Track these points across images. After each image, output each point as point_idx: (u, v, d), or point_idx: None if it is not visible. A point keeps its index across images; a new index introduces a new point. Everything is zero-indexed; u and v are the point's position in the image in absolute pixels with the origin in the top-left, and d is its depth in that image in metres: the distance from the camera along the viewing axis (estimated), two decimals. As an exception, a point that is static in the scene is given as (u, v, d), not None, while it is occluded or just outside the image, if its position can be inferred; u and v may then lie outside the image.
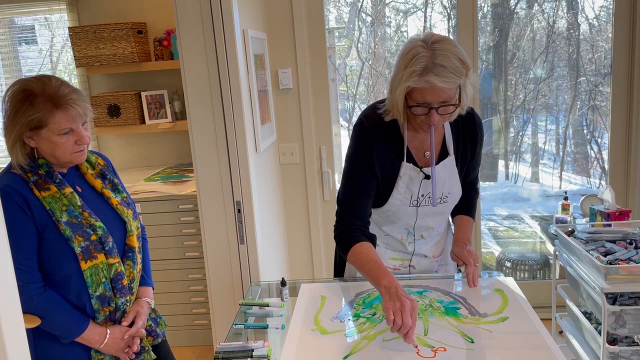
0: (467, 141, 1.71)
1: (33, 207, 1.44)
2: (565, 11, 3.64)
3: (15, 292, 0.74)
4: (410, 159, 1.66)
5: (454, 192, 1.72)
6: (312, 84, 2.99)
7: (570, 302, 2.24)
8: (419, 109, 1.51)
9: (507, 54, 3.80)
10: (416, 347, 1.39)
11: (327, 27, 3.05)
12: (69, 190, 1.50)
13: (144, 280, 1.71)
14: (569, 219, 3.05)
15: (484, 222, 4.30)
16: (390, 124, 1.63)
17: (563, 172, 4.28)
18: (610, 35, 3.12)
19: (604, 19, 3.65)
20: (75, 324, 1.51)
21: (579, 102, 3.87)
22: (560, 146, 4.28)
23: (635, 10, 2.88)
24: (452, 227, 1.93)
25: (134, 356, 1.62)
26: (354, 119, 1.71)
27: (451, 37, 3.55)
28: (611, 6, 2.98)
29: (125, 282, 1.58)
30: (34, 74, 3.72)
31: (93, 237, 1.50)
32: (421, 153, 1.68)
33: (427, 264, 1.85)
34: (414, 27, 3.82)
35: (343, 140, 3.78)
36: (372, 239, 1.69)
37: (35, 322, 1.46)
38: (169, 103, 3.49)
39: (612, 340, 1.95)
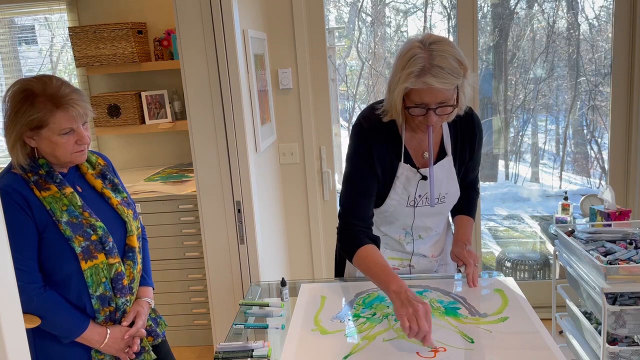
0: (466, 141, 1.71)
1: (33, 207, 1.44)
2: (565, 11, 3.64)
3: (15, 292, 0.74)
4: (408, 160, 1.66)
5: (452, 192, 1.72)
6: (312, 84, 2.99)
7: (570, 302, 2.24)
8: (417, 109, 1.52)
9: (507, 54, 3.80)
10: (435, 349, 1.38)
11: (327, 27, 3.05)
12: (69, 190, 1.50)
13: (144, 280, 1.71)
14: (569, 219, 3.05)
15: (484, 222, 4.30)
16: (389, 125, 1.63)
17: (563, 172, 4.28)
18: (610, 35, 3.12)
19: (604, 19, 3.65)
20: (75, 324, 1.51)
21: (579, 102, 3.88)
22: (560, 146, 4.28)
23: (635, 10, 2.88)
24: (452, 227, 1.93)
25: (134, 356, 1.62)
26: (354, 119, 1.71)
27: (451, 37, 3.55)
28: (611, 6, 2.98)
29: (126, 282, 1.58)
30: (34, 74, 3.72)
31: (93, 237, 1.50)
32: (419, 153, 1.68)
33: (426, 264, 1.85)
34: (414, 27, 3.82)
35: (343, 140, 3.78)
36: (376, 241, 1.68)
37: (35, 322, 1.46)
38: (169, 103, 3.49)
39: (612, 340, 1.95)
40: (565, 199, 3.12)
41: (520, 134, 4.24)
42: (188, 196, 3.02)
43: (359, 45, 3.89)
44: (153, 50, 3.48)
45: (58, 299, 1.49)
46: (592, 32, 3.72)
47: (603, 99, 3.71)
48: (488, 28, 3.67)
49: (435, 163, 1.66)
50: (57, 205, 1.47)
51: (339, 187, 3.15)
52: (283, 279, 1.83)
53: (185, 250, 3.08)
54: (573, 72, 3.73)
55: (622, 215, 2.41)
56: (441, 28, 3.87)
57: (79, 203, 1.51)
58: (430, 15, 3.82)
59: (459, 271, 1.86)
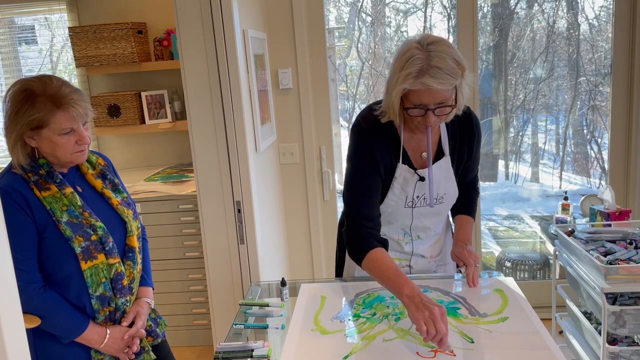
0: (464, 141, 1.71)
1: (33, 207, 1.44)
2: (565, 11, 3.64)
3: (15, 292, 0.74)
4: (407, 160, 1.66)
5: (450, 192, 1.72)
6: (312, 84, 2.99)
7: (570, 302, 2.24)
8: (416, 110, 1.52)
9: (507, 54, 3.80)
10: (452, 352, 1.37)
11: (327, 27, 3.05)
12: (69, 190, 1.50)
13: (144, 281, 1.71)
14: (569, 219, 3.05)
15: (484, 222, 4.30)
16: (387, 125, 1.63)
17: (563, 172, 4.28)
18: (610, 35, 3.12)
19: (604, 19, 3.65)
20: (75, 324, 1.51)
21: (579, 102, 3.88)
22: (560, 146, 4.28)
23: (635, 10, 2.88)
24: (452, 227, 1.93)
25: (133, 356, 1.62)
26: (354, 119, 1.71)
27: (451, 37, 3.55)
28: (611, 6, 2.98)
29: (125, 282, 1.58)
30: (34, 74, 3.73)
31: (93, 237, 1.50)
32: (418, 154, 1.68)
33: (425, 264, 1.85)
34: (414, 27, 3.82)
35: (343, 140, 3.79)
36: (385, 244, 1.65)
37: (35, 322, 1.46)
38: (169, 103, 3.49)
39: (612, 340, 1.95)
40: (565, 199, 3.12)
41: (520, 134, 4.24)
42: (188, 196, 3.02)
43: (359, 45, 3.90)
44: (153, 50, 3.48)
45: (58, 299, 1.49)
46: (592, 32, 3.72)
47: (603, 99, 3.71)
48: (488, 28, 3.67)
49: (433, 163, 1.66)
50: (57, 205, 1.47)
51: (339, 187, 3.15)
52: (283, 279, 1.83)
53: (185, 250, 3.08)
54: (573, 72, 3.73)
55: (622, 215, 2.41)
56: (441, 28, 3.87)
57: (79, 203, 1.51)
58: (430, 15, 3.83)
59: (459, 271, 1.86)
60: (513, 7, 3.69)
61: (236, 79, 2.14)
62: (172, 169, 3.53)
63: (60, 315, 1.49)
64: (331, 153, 3.09)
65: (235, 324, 1.63)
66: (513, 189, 4.44)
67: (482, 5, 3.59)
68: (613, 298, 1.88)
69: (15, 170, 1.48)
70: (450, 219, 1.92)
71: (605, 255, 1.93)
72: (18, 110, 1.44)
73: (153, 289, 1.75)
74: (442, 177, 1.68)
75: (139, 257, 1.65)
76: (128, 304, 1.61)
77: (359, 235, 1.64)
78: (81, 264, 1.47)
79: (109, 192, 1.62)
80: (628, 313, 1.83)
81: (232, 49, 2.12)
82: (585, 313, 2.19)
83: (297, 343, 1.46)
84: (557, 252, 2.28)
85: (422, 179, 1.65)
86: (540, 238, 3.98)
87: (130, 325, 1.61)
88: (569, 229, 2.24)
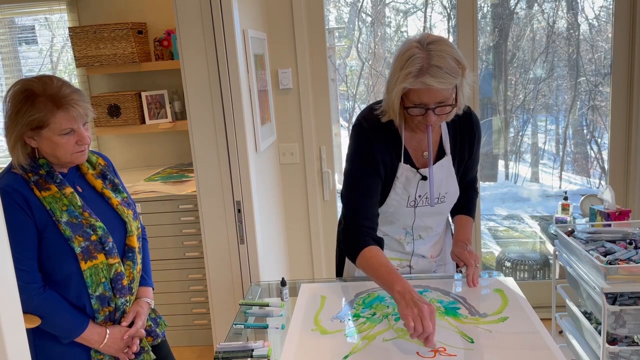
0: (465, 140, 1.71)
1: (33, 207, 1.44)
2: (565, 11, 3.64)
3: (15, 292, 0.74)
4: (408, 160, 1.66)
5: (451, 191, 1.72)
6: (312, 84, 2.99)
7: (570, 302, 2.24)
8: (416, 109, 1.52)
9: (507, 54, 3.80)
10: (436, 350, 1.38)
11: (327, 27, 3.05)
12: (69, 190, 1.50)
13: (144, 281, 1.71)
14: (569, 219, 3.05)
15: (484, 222, 4.30)
16: (388, 125, 1.63)
17: (563, 172, 4.28)
18: (610, 35, 3.12)
19: (604, 19, 3.66)
20: (75, 324, 1.51)
21: (578, 102, 3.88)
22: (560, 146, 4.28)
23: (635, 10, 2.88)
24: (452, 227, 1.93)
25: (133, 356, 1.62)
26: (354, 119, 1.71)
27: (451, 37, 3.55)
28: (611, 6, 2.98)
29: (125, 282, 1.58)
30: (34, 74, 3.73)
31: (93, 237, 1.50)
32: (419, 153, 1.68)
33: (425, 265, 1.85)
34: (414, 27, 3.82)
35: (343, 140, 3.79)
36: (380, 243, 1.67)
37: (35, 322, 1.46)
38: (169, 103, 3.49)
39: (612, 340, 1.95)
40: (565, 199, 3.12)
41: (520, 134, 4.24)
42: (188, 196, 3.02)
43: (359, 45, 3.90)
44: (153, 50, 3.48)
45: (58, 299, 1.49)
46: (592, 32, 3.72)
47: (603, 99, 3.71)
48: (488, 28, 3.67)
49: (434, 163, 1.66)
50: (57, 205, 1.47)
51: (339, 187, 3.15)
52: (283, 278, 1.83)
53: (185, 250, 3.08)
54: (573, 72, 3.73)
55: (622, 215, 2.42)
56: (441, 28, 3.87)
57: (79, 203, 1.51)
58: (430, 16, 3.83)
59: (460, 271, 1.86)
60: (513, 7, 3.69)
61: (236, 79, 2.14)
62: (172, 169, 3.53)
63: (60, 315, 1.49)
64: (331, 153, 3.09)
65: (235, 324, 1.63)
66: (513, 189, 4.44)
67: (482, 5, 3.60)
68: (613, 298, 1.88)
69: (15, 170, 1.48)
70: (450, 219, 1.92)
71: (605, 255, 1.93)
72: (18, 111, 1.44)
73: (153, 289, 1.75)
74: (444, 176, 1.69)
75: (138, 257, 1.65)
76: (128, 304, 1.61)
77: (355, 234, 1.65)
78: (81, 264, 1.48)
79: (109, 192, 1.62)
80: (628, 313, 1.83)
81: (232, 49, 2.12)
82: (585, 313, 2.19)
83: (297, 343, 1.46)
84: (557, 252, 2.28)
85: (424, 178, 1.65)
86: (540, 238, 3.98)
87: (130, 325, 1.61)
88: (569, 229, 2.24)
